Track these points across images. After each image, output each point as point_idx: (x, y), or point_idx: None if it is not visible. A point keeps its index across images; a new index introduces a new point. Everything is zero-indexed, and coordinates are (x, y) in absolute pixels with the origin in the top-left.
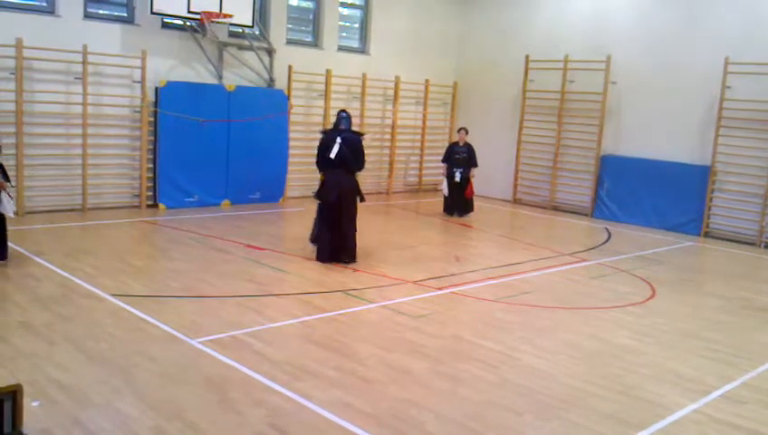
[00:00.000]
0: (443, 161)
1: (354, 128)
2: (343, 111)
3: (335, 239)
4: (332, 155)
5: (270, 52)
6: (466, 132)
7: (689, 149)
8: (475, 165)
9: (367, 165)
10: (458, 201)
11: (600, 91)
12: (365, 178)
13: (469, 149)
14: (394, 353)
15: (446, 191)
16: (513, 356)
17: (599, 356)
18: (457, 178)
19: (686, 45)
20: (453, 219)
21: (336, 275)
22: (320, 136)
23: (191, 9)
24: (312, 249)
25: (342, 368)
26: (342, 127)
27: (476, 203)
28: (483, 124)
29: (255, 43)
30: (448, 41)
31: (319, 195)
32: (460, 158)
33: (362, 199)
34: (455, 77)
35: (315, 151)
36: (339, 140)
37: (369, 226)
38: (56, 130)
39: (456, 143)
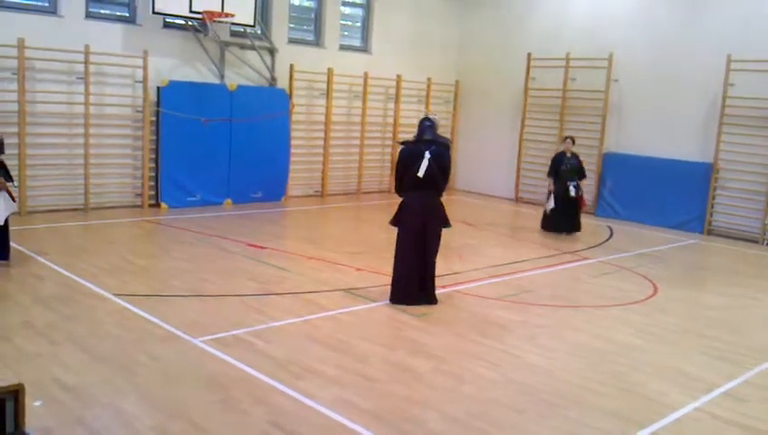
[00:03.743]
0: (549, 175)
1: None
2: (427, 118)
3: (420, 273)
4: (421, 174)
5: (272, 51)
6: (573, 142)
7: (692, 147)
8: (585, 175)
9: (371, 163)
10: (571, 217)
11: (601, 88)
12: (370, 177)
13: (578, 160)
14: (396, 352)
15: (552, 205)
16: (515, 354)
17: (601, 354)
18: (572, 193)
19: (688, 42)
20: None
21: (338, 274)
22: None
23: (193, 9)
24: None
25: (345, 366)
26: (427, 137)
27: (477, 201)
28: (484, 122)
29: (257, 43)
30: (450, 39)
31: (400, 221)
32: (569, 169)
33: (448, 225)
34: (456, 75)
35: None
36: (427, 154)
37: (371, 223)
38: (58, 129)
39: (563, 153)
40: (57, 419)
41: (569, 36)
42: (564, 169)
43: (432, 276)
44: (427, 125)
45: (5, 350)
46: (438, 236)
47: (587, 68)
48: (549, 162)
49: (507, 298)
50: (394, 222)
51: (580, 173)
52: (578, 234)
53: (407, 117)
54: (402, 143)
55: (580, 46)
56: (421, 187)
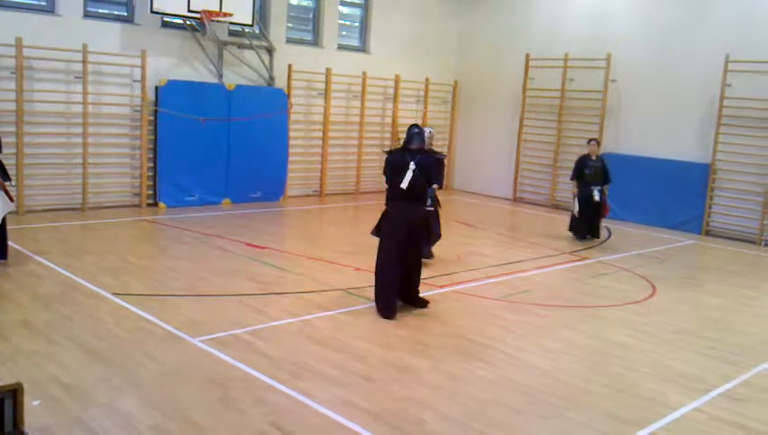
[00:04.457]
0: (573, 178)
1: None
2: (416, 125)
3: (404, 282)
4: (404, 185)
5: (270, 50)
6: (598, 144)
7: (689, 148)
8: (610, 180)
9: (369, 163)
10: (594, 222)
11: (600, 89)
12: (368, 177)
13: (603, 163)
14: (395, 352)
15: (576, 211)
16: (513, 355)
17: (599, 354)
18: (596, 198)
19: (686, 43)
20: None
21: (337, 274)
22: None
23: (191, 8)
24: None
25: (343, 366)
26: (415, 146)
27: (475, 201)
28: (483, 122)
29: (255, 42)
30: (448, 39)
31: (381, 231)
32: (594, 173)
33: (433, 236)
34: (455, 75)
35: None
36: (412, 166)
37: (370, 223)
38: (56, 129)
39: (588, 156)
40: (55, 418)
41: (567, 37)
42: (589, 172)
43: (417, 284)
44: (414, 132)
45: (4, 349)
46: (422, 244)
47: (585, 68)
48: (548, 162)
49: (506, 298)
50: (376, 232)
51: (604, 177)
52: (596, 240)
53: (405, 117)
54: (388, 152)
55: (578, 47)
56: (405, 198)
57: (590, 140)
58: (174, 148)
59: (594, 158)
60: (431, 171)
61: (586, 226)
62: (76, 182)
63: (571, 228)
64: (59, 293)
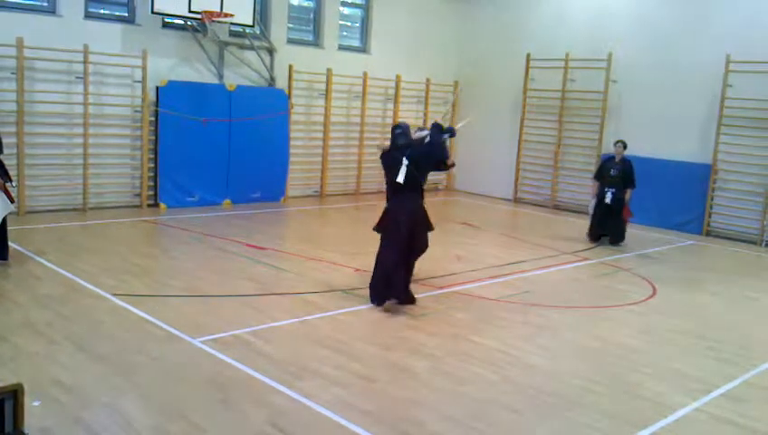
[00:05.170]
0: (594, 178)
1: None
2: (397, 126)
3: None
4: (400, 179)
5: (271, 51)
6: (624, 146)
7: (690, 148)
8: (633, 185)
9: (370, 164)
10: (610, 226)
11: (600, 89)
12: (368, 177)
13: (625, 166)
14: (395, 352)
15: (590, 210)
16: (514, 355)
17: (600, 355)
18: (608, 200)
19: (687, 43)
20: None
21: (337, 275)
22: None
23: (192, 9)
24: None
25: (343, 367)
26: (401, 143)
27: (476, 202)
28: (484, 123)
29: (256, 43)
30: (449, 39)
31: (383, 228)
32: (615, 176)
33: (431, 228)
34: (456, 76)
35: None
36: (405, 161)
37: (370, 224)
38: (57, 129)
39: (612, 158)
40: (56, 418)
41: (568, 37)
42: (611, 175)
43: (408, 281)
44: (397, 133)
45: (4, 350)
46: (424, 237)
47: (586, 69)
48: (549, 162)
49: (506, 298)
50: (377, 228)
51: (626, 181)
52: (615, 246)
53: (406, 118)
54: (382, 151)
55: (579, 47)
56: (403, 190)
57: (617, 142)
58: (175, 148)
59: (617, 160)
60: (428, 158)
61: (601, 228)
62: (77, 183)
63: (590, 233)
64: (59, 293)
